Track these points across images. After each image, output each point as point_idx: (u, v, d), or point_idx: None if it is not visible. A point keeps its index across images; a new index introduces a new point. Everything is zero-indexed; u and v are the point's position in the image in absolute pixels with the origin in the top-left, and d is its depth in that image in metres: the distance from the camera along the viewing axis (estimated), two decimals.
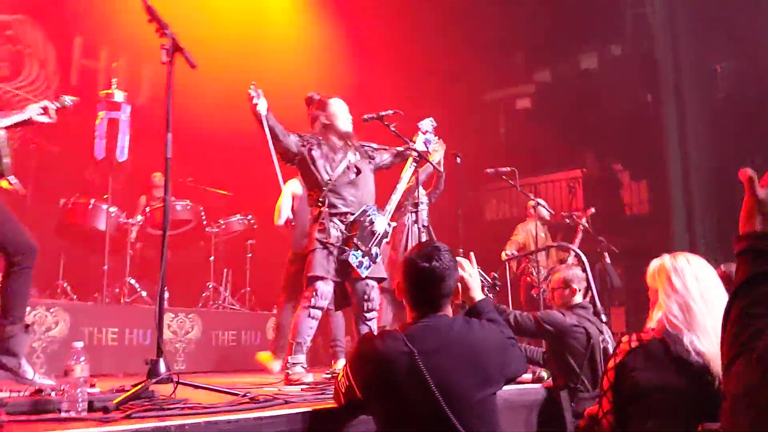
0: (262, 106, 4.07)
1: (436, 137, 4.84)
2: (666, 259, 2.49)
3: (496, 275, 3.49)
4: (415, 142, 4.62)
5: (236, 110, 5.41)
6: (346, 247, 4.18)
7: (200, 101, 7.53)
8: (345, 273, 4.22)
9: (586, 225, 7.67)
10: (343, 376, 2.38)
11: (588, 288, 4.00)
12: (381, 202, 4.48)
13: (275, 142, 4.14)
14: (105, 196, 6.49)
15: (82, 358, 2.29)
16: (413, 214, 4.61)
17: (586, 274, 4.02)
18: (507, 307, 4.31)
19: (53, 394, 2.52)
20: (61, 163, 6.88)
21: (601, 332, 3.77)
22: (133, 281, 6.76)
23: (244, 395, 2.75)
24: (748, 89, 9.28)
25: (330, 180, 4.28)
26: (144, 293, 6.56)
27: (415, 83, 9.85)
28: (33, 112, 3.65)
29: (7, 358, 3.17)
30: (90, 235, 6.55)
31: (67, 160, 6.90)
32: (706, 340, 2.24)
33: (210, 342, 6.83)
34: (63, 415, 2.23)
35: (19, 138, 6.42)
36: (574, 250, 5.14)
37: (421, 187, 4.94)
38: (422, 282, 2.29)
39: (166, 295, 5.34)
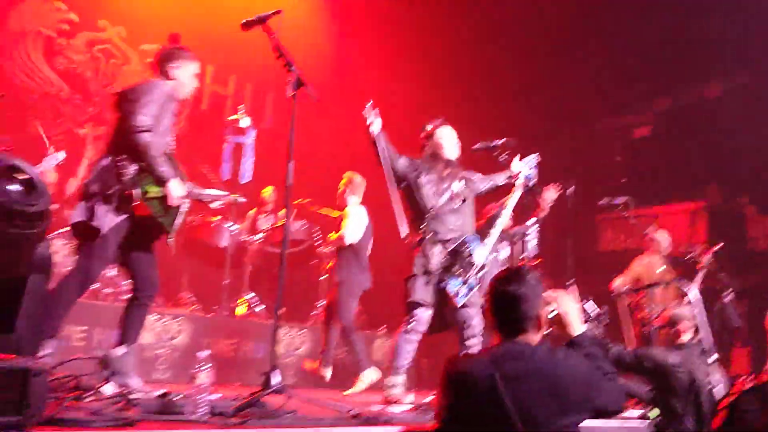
0: (376, 126, 4.24)
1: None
2: None
3: (603, 310, 3.44)
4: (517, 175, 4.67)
5: (352, 133, 5.64)
6: (445, 276, 4.26)
7: (318, 124, 7.86)
8: (442, 301, 4.31)
9: (710, 262, 7.29)
10: (436, 395, 2.47)
11: (697, 327, 3.86)
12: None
13: (385, 163, 4.29)
14: (228, 216, 6.90)
15: (206, 366, 2.49)
16: (520, 244, 4.63)
17: (696, 313, 3.87)
18: (610, 342, 4.22)
19: (179, 397, 2.76)
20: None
21: (708, 373, 3.62)
22: (250, 296, 7.11)
23: (350, 411, 2.87)
24: None
25: (434, 207, 4.38)
26: (261, 308, 6.88)
27: (528, 111, 9.80)
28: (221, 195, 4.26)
29: (114, 378, 3.49)
30: (212, 251, 6.96)
31: (194, 180, 7.36)
32: None
33: (318, 358, 7.05)
34: (187, 417, 2.44)
35: None
36: (682, 288, 4.96)
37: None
38: (502, 305, 2.33)
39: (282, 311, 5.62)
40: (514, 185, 4.69)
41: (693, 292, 4.35)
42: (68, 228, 4.28)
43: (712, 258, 7.27)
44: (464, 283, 4.24)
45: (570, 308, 2.48)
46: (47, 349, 3.18)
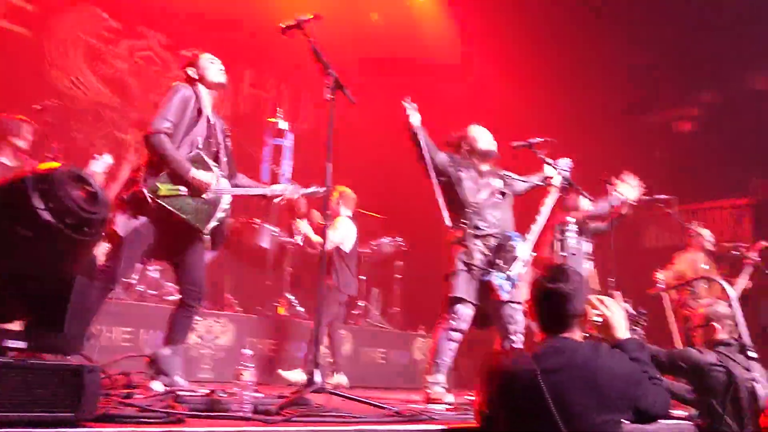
0: (415, 120, 4.25)
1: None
2: None
3: (643, 311, 3.40)
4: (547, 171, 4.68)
5: (390, 133, 5.66)
6: (490, 269, 4.25)
7: (357, 126, 7.92)
8: (485, 296, 4.30)
9: (757, 259, 7.13)
10: (477, 391, 2.49)
11: (735, 324, 3.77)
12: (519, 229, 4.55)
13: (426, 156, 4.28)
14: (267, 217, 7.01)
15: (251, 365, 2.55)
16: (559, 242, 4.61)
17: (733, 310, 3.79)
18: (645, 343, 4.16)
19: (224, 395, 2.82)
20: None
21: (748, 370, 3.53)
22: (291, 297, 7.20)
23: (392, 409, 2.90)
24: None
25: (475, 202, 4.38)
26: (302, 309, 6.97)
27: (567, 106, 9.70)
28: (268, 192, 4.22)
29: (162, 377, 3.57)
30: (253, 252, 7.06)
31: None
32: None
33: (359, 358, 7.12)
34: (232, 414, 2.50)
35: None
36: (720, 283, 4.86)
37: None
38: (546, 302, 2.36)
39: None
40: (550, 185, 4.68)
41: (730, 288, 4.26)
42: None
43: (758, 254, 7.10)
44: (508, 278, 4.23)
45: (615, 313, 2.48)
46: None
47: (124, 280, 6.20)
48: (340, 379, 6.04)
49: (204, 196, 3.67)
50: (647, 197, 6.43)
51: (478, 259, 4.29)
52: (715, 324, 3.74)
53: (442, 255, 4.57)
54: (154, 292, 6.29)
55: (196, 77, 3.89)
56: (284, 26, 3.49)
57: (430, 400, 4.10)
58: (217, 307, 6.81)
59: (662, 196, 6.36)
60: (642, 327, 3.92)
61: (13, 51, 7.03)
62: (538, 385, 2.17)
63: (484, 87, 9.75)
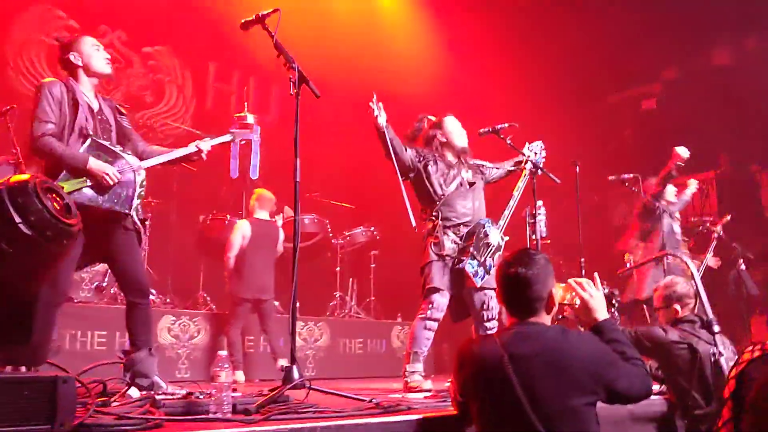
0: (382, 119, 4.26)
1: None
2: None
3: (615, 291, 3.44)
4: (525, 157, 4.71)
5: (358, 125, 5.66)
6: (462, 257, 4.29)
7: (324, 118, 7.89)
8: (460, 284, 4.35)
9: (721, 233, 7.29)
10: (450, 379, 2.51)
11: (697, 300, 3.83)
12: (492, 215, 4.58)
13: (394, 156, 4.31)
14: (240, 212, 6.96)
15: (227, 365, 2.54)
16: (530, 226, 4.66)
17: (695, 285, 3.86)
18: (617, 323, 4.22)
19: (202, 397, 2.81)
20: (200, 182, 7.41)
21: (712, 344, 3.60)
22: None
23: (370, 401, 2.91)
24: None
25: (443, 194, 4.41)
26: (276, 303, 6.94)
27: (535, 88, 9.77)
28: (188, 151, 3.99)
29: (140, 379, 3.53)
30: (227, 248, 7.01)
31: (205, 179, 7.43)
32: None
33: (338, 349, 7.14)
34: (211, 416, 2.49)
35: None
36: (682, 260, 4.96)
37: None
38: (507, 287, 2.37)
39: (297, 304, 5.72)
40: (522, 170, 4.72)
41: (693, 265, 4.34)
42: None
43: (723, 228, 7.26)
44: (481, 264, 4.27)
45: (594, 295, 2.48)
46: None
47: (97, 284, 6.15)
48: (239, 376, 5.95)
49: (114, 180, 3.56)
50: (614, 177, 6.56)
51: (450, 248, 4.34)
52: (676, 306, 3.80)
53: (416, 243, 4.60)
54: None
55: (79, 63, 3.73)
56: (244, 22, 3.45)
57: (409, 389, 4.14)
58: (191, 306, 6.77)
59: (629, 175, 6.47)
60: (615, 307, 3.97)
61: None
62: (506, 371, 2.19)
63: (451, 74, 9.77)
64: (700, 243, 7.42)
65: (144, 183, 3.76)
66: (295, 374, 3.01)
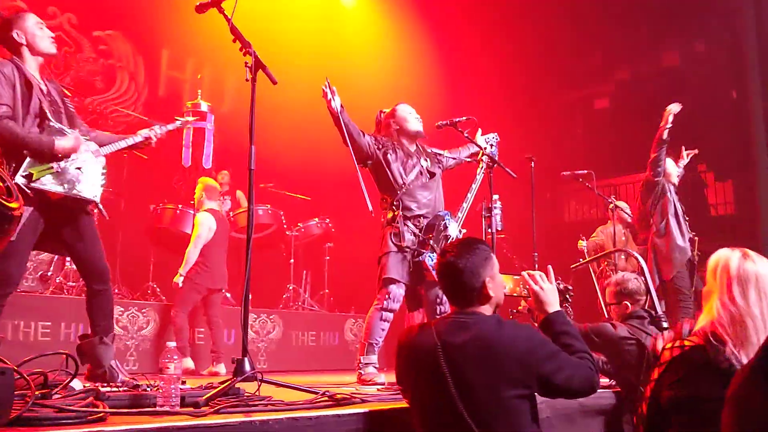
0: (336, 103, 4.19)
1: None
2: (733, 259, 2.22)
3: (569, 286, 3.46)
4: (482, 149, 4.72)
5: (314, 114, 5.60)
6: (422, 249, 4.28)
7: (280, 109, 7.78)
8: (418, 277, 4.32)
9: None
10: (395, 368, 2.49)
11: (647, 297, 3.90)
12: (448, 207, 4.58)
13: (350, 140, 4.25)
14: (192, 202, 6.81)
15: (176, 357, 2.46)
16: (485, 220, 4.67)
17: (645, 282, 3.92)
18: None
19: (149, 389, 2.73)
20: (151, 170, 7.24)
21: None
22: None
23: (323, 394, 2.87)
24: None
25: (404, 184, 4.38)
26: (228, 295, 6.83)
27: (491, 87, 9.83)
28: (138, 139, 3.87)
29: (94, 367, 3.45)
30: (177, 238, 6.88)
31: (156, 167, 7.26)
32: (751, 354, 2.04)
33: (290, 342, 7.07)
34: (158, 409, 2.41)
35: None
36: (634, 256, 5.05)
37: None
38: (442, 275, 2.36)
39: (250, 296, 5.67)
40: (479, 162, 4.73)
41: (643, 261, 4.41)
42: None
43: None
44: None
45: (546, 288, 2.46)
46: None
47: (43, 273, 5.95)
48: (220, 368, 5.90)
49: (79, 166, 3.46)
50: (567, 172, 6.64)
51: (409, 240, 4.31)
52: (626, 302, 3.86)
53: (371, 235, 4.57)
54: (74, 284, 6.04)
55: (23, 42, 3.55)
56: (199, 5, 3.35)
57: (362, 381, 4.11)
58: (140, 297, 6.61)
59: (581, 171, 6.55)
60: (569, 302, 4.00)
61: None
62: (439, 360, 2.17)
63: (408, 69, 9.76)
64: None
65: (105, 169, 3.68)
66: (247, 366, 2.95)
